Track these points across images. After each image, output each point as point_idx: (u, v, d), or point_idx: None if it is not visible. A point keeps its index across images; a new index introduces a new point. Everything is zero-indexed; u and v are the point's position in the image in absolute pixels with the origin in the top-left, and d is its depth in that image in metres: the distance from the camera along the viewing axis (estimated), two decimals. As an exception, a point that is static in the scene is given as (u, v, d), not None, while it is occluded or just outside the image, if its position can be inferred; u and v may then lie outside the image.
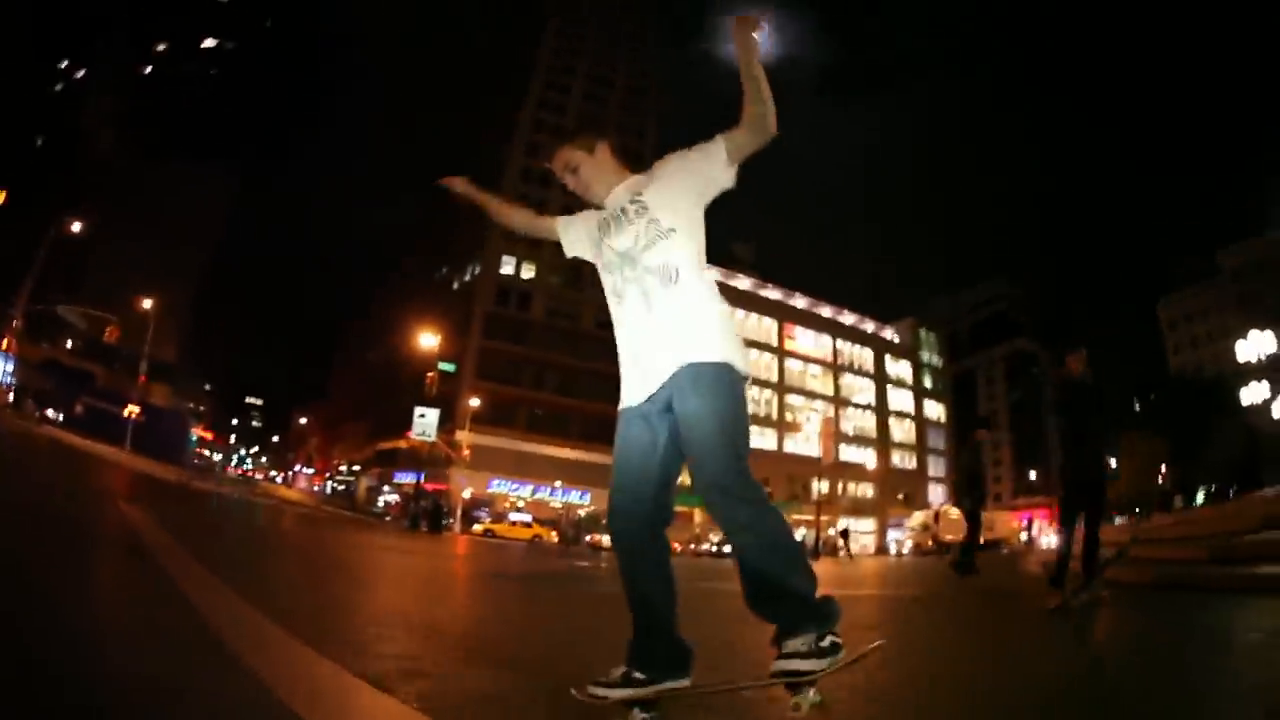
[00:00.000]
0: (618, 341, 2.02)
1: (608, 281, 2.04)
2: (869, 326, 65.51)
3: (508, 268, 51.62)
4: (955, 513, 48.21)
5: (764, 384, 57.72)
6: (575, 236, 2.22)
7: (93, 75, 72.26)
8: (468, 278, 53.53)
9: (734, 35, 1.92)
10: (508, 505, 50.25)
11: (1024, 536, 59.53)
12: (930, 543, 42.88)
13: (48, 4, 72.27)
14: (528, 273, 51.93)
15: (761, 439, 57.28)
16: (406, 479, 54.91)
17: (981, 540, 37.75)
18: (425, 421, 32.26)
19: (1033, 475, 72.74)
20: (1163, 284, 75.71)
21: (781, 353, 58.76)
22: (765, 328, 58.58)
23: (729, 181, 2.00)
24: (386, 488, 55.27)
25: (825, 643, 1.70)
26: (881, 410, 63.81)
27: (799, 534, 54.91)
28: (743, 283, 58.87)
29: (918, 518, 49.30)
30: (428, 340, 35.68)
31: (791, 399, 58.79)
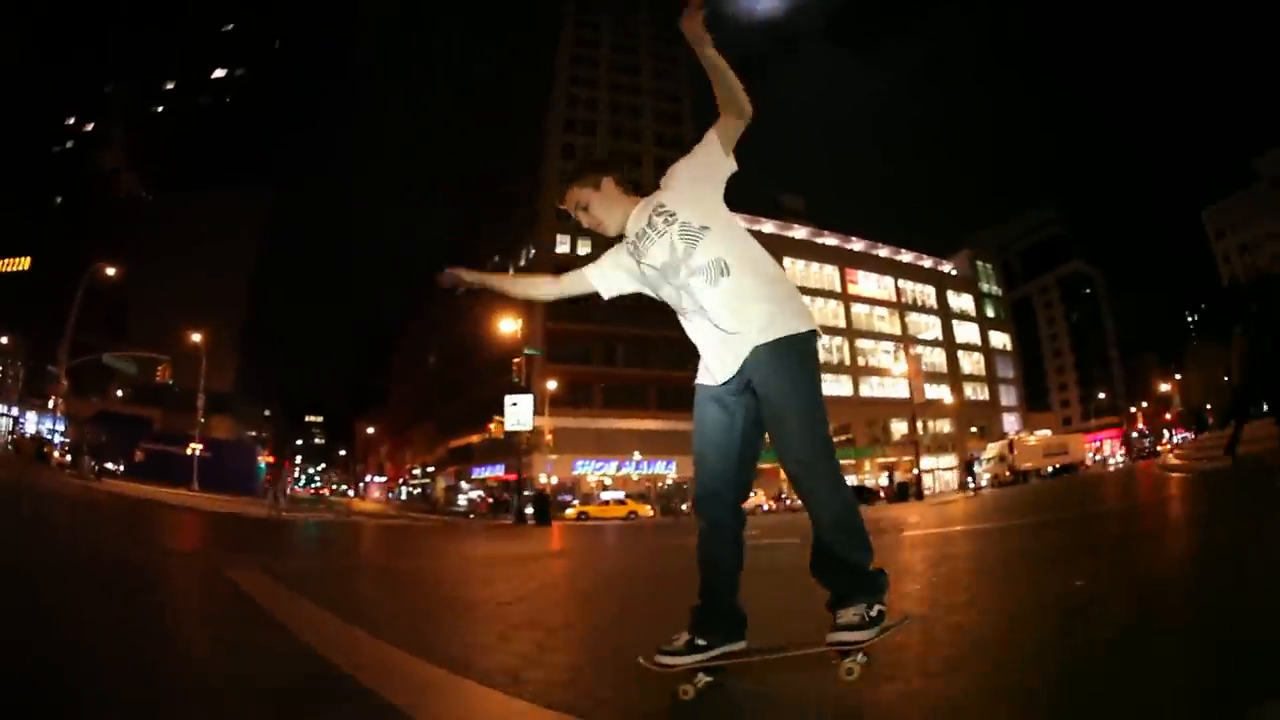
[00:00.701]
0: (688, 331, 2.07)
1: (663, 295, 2.09)
2: (927, 262, 63.32)
3: (563, 246, 49.87)
4: (1032, 439, 46.47)
5: (832, 330, 55.71)
6: (609, 278, 2.24)
7: (104, 125, 71.53)
8: (523, 262, 51.93)
9: (685, 31, 1.89)
10: (593, 485, 48.87)
11: (1093, 458, 57.50)
12: (1008, 473, 41.03)
13: (47, 65, 71.88)
14: (584, 248, 50.15)
15: (837, 385, 55.41)
16: (485, 473, 53.61)
17: (1056, 464, 35.17)
18: (518, 410, 29.58)
19: (1102, 396, 70.55)
20: (1204, 195, 73.24)
21: (846, 298, 56.75)
22: (826, 275, 56.54)
23: (731, 166, 2.05)
24: (465, 485, 54.03)
25: (874, 612, 1.83)
26: (949, 345, 61.70)
27: (883, 479, 53.46)
28: (798, 232, 56.92)
29: (992, 449, 47.25)
30: (508, 325, 33.72)
31: (861, 343, 56.86)
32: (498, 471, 50.96)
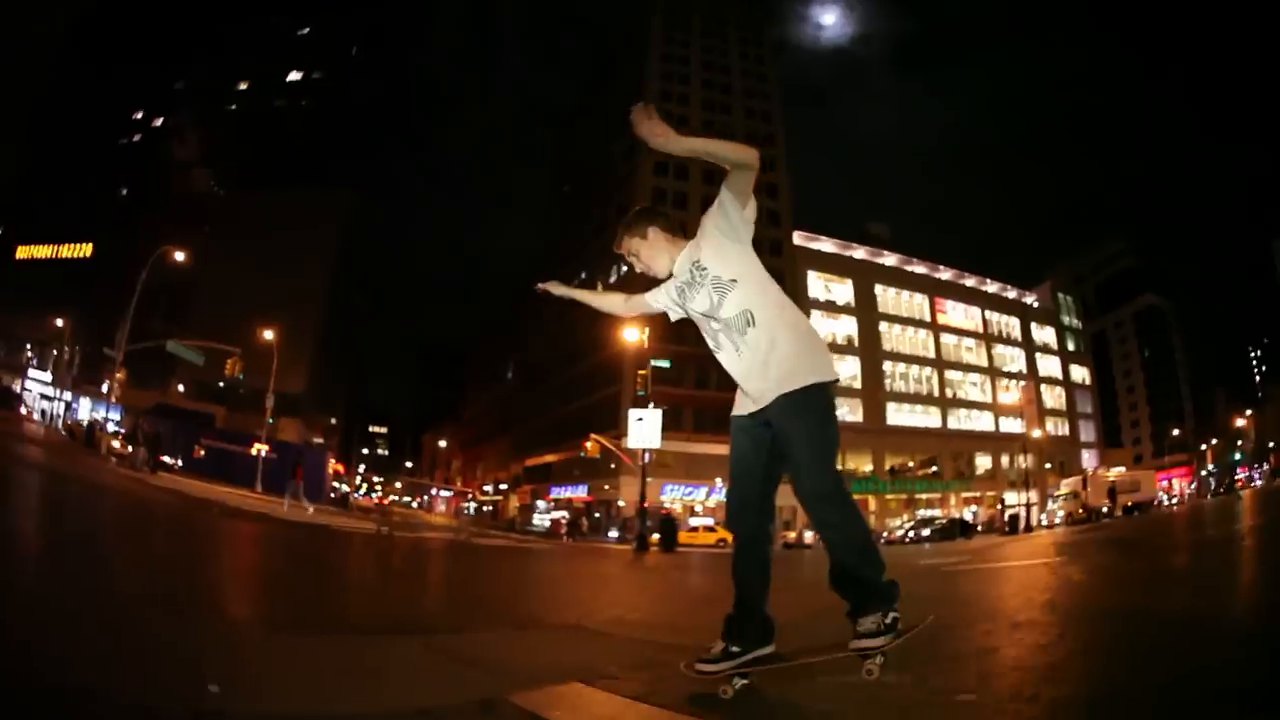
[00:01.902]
0: (724, 366, 2.28)
1: (705, 334, 2.33)
2: (1011, 294, 60.96)
3: (656, 263, 47.99)
4: (1110, 476, 43.98)
5: (922, 361, 53.44)
6: (665, 304, 2.47)
7: (175, 120, 70.17)
8: (613, 279, 49.93)
9: (644, 138, 2.06)
10: (680, 511, 46.56)
11: (1164, 498, 54.90)
12: (1080, 510, 38.75)
13: (116, 58, 70.74)
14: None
15: (926, 417, 53.11)
16: (565, 493, 51.30)
17: (1129, 503, 33.12)
18: (644, 427, 23.83)
19: (1175, 433, 67.75)
20: (1275, 226, 70.72)
21: (935, 328, 54.46)
22: (916, 304, 54.28)
23: (750, 217, 2.20)
24: (541, 504, 51.81)
25: (889, 619, 2.04)
26: (1032, 378, 59.24)
27: (968, 513, 50.87)
28: (888, 259, 54.74)
29: (1065, 485, 44.87)
30: (632, 335, 30.57)
31: (950, 374, 54.52)
32: (579, 492, 48.73)
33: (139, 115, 72.54)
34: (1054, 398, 60.97)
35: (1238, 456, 62.48)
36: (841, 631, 2.12)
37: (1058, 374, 61.48)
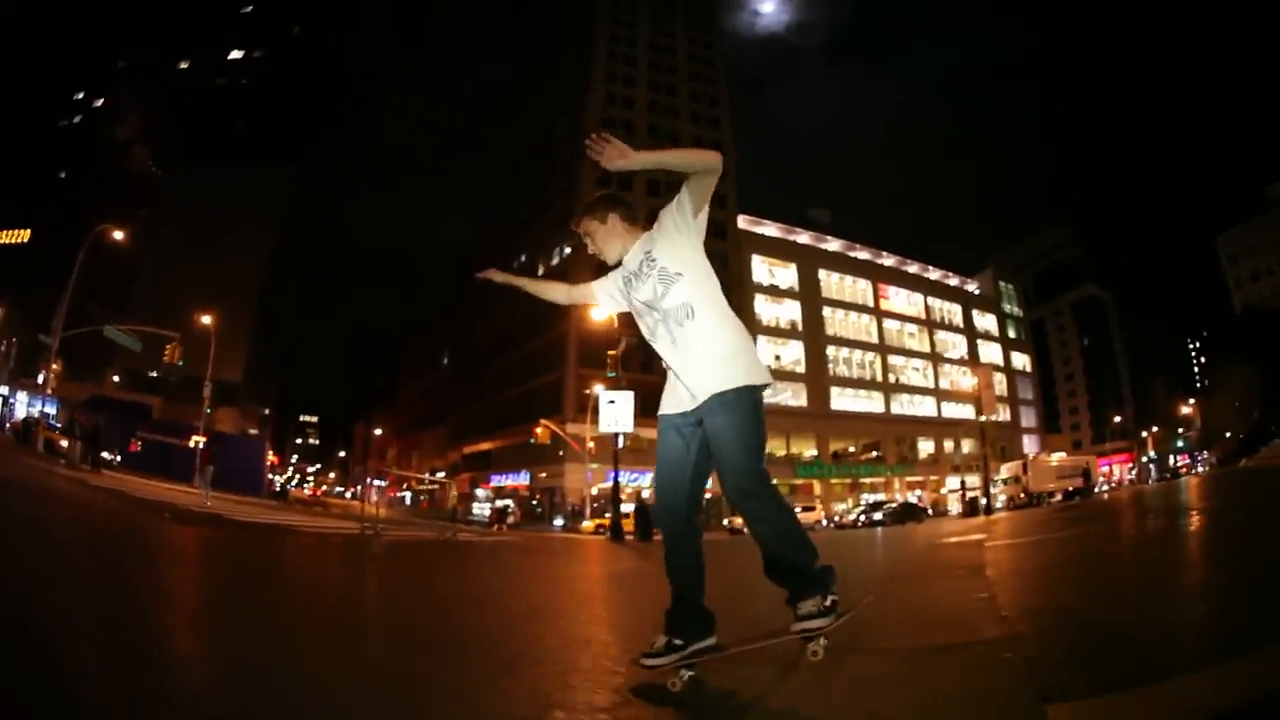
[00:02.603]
0: (662, 358, 2.29)
1: (641, 325, 2.34)
2: (953, 281, 61.58)
3: (599, 245, 46.96)
4: (1053, 460, 44.64)
5: (865, 346, 53.54)
6: (606, 296, 2.48)
7: (115, 100, 66.90)
8: (555, 261, 48.77)
9: (607, 167, 2.11)
10: (625, 496, 45.65)
11: (1103, 484, 56.15)
12: (1022, 495, 39.06)
13: (55, 41, 67.23)
14: (621, 249, 47.31)
15: (869, 402, 53.21)
16: (505, 480, 49.85)
17: (1070, 487, 33.34)
18: (617, 410, 20.26)
19: (1117, 419, 69.39)
20: (1218, 222, 73.03)
21: (878, 313, 54.61)
22: (860, 289, 54.36)
23: (700, 223, 2.24)
24: (480, 492, 50.28)
25: (828, 601, 2.09)
26: (976, 363, 59.90)
27: (913, 496, 51.12)
28: (832, 245, 54.68)
29: (1005, 470, 45.31)
30: (599, 314, 28.97)
31: (892, 359, 54.74)
32: (519, 479, 47.42)
33: (80, 96, 69.26)
34: (995, 384, 61.75)
35: (1180, 444, 64.15)
36: (779, 617, 2.24)
37: (999, 360, 62.28)
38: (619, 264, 2.41)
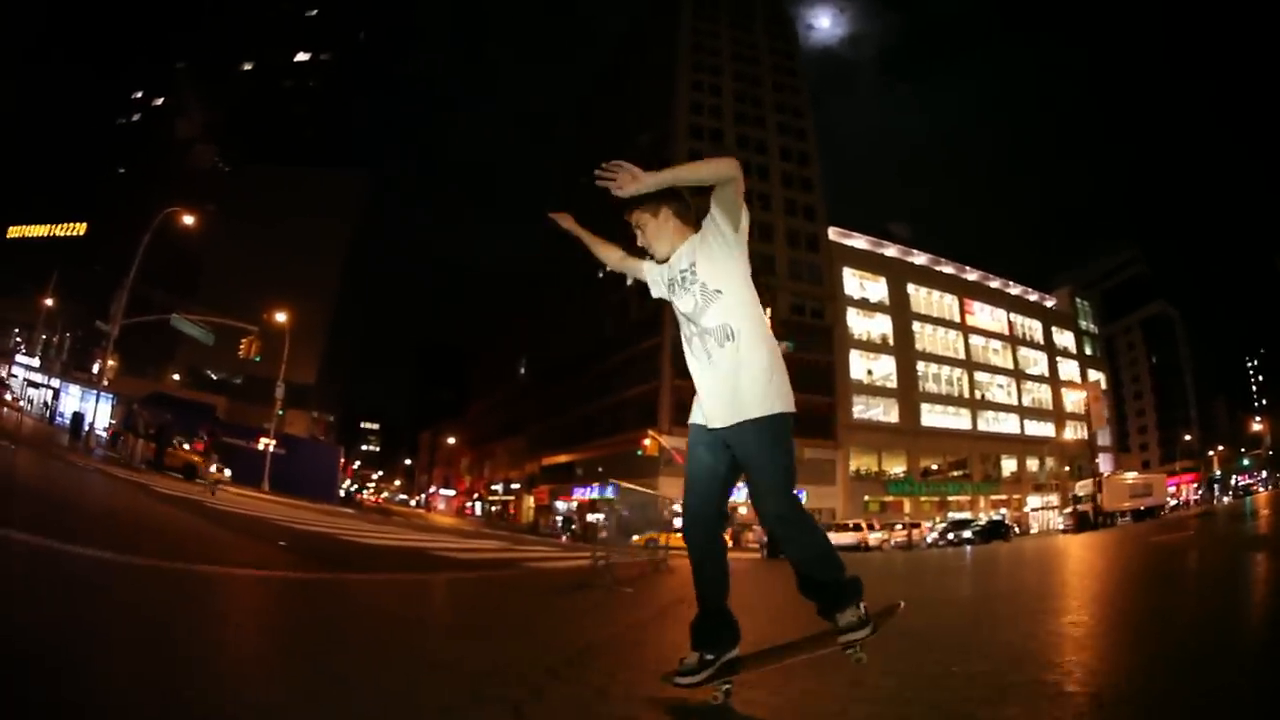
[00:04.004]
0: (690, 369, 2.25)
1: (684, 332, 2.28)
2: (1033, 297, 59.87)
3: (693, 254, 45.45)
4: (1128, 478, 42.71)
5: (953, 362, 51.62)
6: (655, 281, 2.41)
7: (176, 100, 66.08)
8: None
9: (625, 197, 2.13)
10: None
11: (1172, 502, 54.18)
12: (1092, 514, 37.26)
13: (118, 39, 66.62)
14: (716, 257, 45.77)
15: (957, 419, 51.28)
16: (590, 494, 47.89)
17: (1141, 506, 32.10)
18: None
19: (1187, 438, 67.30)
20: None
21: (965, 329, 52.84)
22: (946, 304, 52.55)
23: (741, 231, 2.17)
24: (560, 504, 48.48)
25: (863, 612, 2.09)
26: (1054, 381, 58.14)
27: (997, 515, 49.14)
28: (919, 258, 53.06)
29: (1079, 489, 43.56)
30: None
31: (979, 376, 52.93)
32: (607, 493, 45.57)
33: (138, 95, 68.43)
34: (1072, 403, 59.89)
35: (1245, 463, 62.11)
36: (802, 628, 2.31)
37: (1076, 378, 60.45)
38: (666, 261, 2.33)
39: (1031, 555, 12.74)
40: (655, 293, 2.43)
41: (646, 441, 37.33)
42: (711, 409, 2.15)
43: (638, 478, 43.44)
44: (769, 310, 23.56)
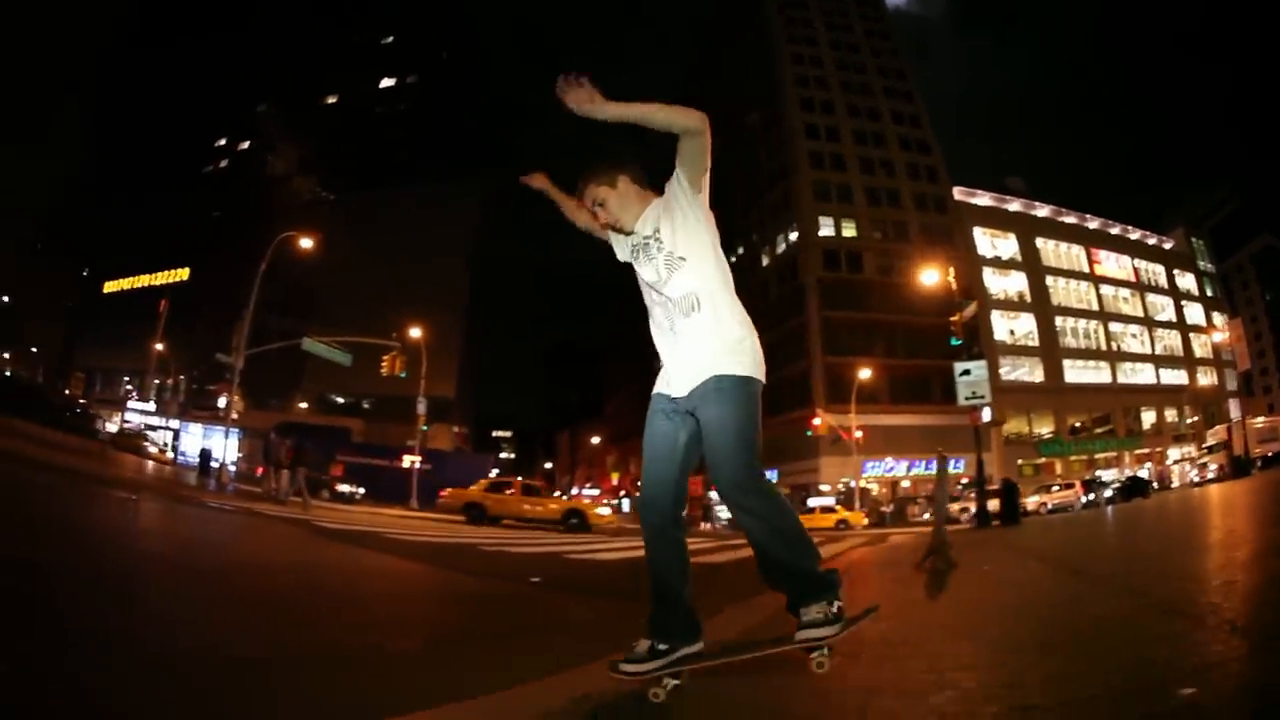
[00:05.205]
0: (654, 340, 2.12)
1: (647, 300, 2.14)
2: (1152, 240, 57.63)
3: (826, 229, 44.22)
4: (1259, 423, 40.44)
5: (1087, 314, 49.77)
6: (619, 244, 2.26)
7: (259, 143, 66.80)
8: (780, 249, 46.20)
9: (574, 107, 1.89)
10: (878, 489, 42.56)
11: None
12: (1224, 463, 35.15)
13: (192, 94, 67.58)
14: (848, 231, 44.53)
15: (1096, 373, 49.44)
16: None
17: (1270, 452, 29.21)
18: (973, 381, 15.75)
19: (1313, 376, 64.20)
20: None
21: (1095, 279, 50.95)
22: (1074, 255, 50.69)
23: (703, 197, 2.04)
24: (714, 495, 47.65)
25: (834, 609, 1.89)
26: (1182, 326, 55.87)
27: (1142, 471, 47.16)
28: (1042, 210, 51.26)
29: (1211, 436, 41.38)
30: (928, 277, 23.25)
31: (1114, 327, 51.01)
32: (769, 477, 44.57)
33: (221, 143, 69.51)
34: (1200, 346, 57.57)
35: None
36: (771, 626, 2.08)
37: (1203, 322, 58.09)
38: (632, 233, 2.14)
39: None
40: (620, 256, 2.26)
41: (816, 421, 36.31)
42: (676, 379, 2.00)
43: (795, 459, 42.56)
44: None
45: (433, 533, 10.61)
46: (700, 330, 1.96)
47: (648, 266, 2.09)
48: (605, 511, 19.75)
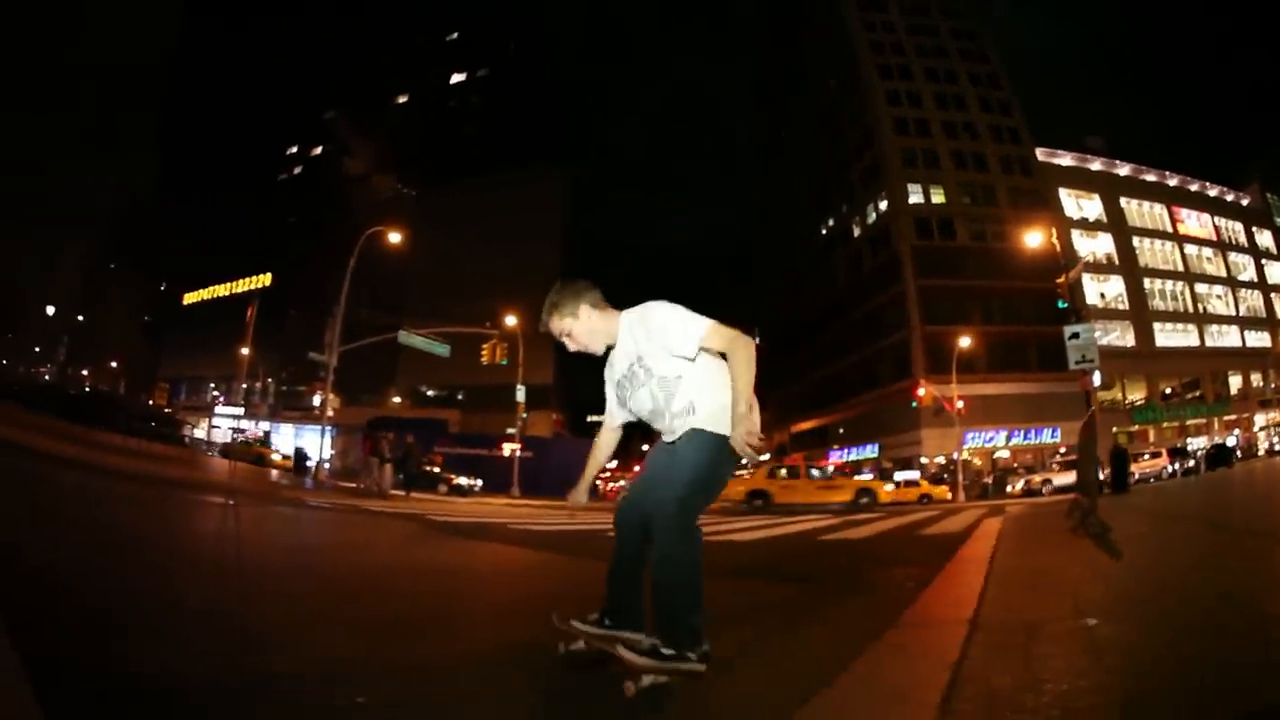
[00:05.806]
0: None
1: (617, 383, 2.21)
2: (1229, 197, 56.13)
3: (915, 196, 43.13)
4: None
5: (1173, 275, 48.58)
6: (619, 416, 2.34)
7: (331, 148, 66.52)
8: (871, 219, 45.16)
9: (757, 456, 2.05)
10: (979, 461, 41.66)
11: None
12: None
13: (259, 104, 67.27)
14: (937, 197, 43.40)
15: (1184, 337, 48.25)
16: (848, 455, 45.80)
17: None
18: (1082, 345, 13.36)
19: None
20: None
21: (1179, 238, 49.65)
22: (1157, 215, 49.44)
23: (694, 352, 2.03)
24: (815, 472, 46.96)
25: (666, 651, 1.84)
26: (1264, 286, 54.45)
27: (1230, 438, 45.95)
28: (1123, 169, 49.95)
29: None
30: (1032, 239, 22.15)
31: (1199, 288, 49.74)
32: (866, 452, 43.77)
33: (293, 150, 69.19)
34: (1281, 305, 56.13)
35: None
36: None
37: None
38: (605, 357, 2.22)
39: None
40: (620, 419, 2.32)
41: (920, 391, 35.48)
42: (669, 436, 2.09)
43: (896, 433, 41.60)
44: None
45: (550, 520, 10.07)
46: (693, 420, 2.03)
47: (637, 395, 2.11)
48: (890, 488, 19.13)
